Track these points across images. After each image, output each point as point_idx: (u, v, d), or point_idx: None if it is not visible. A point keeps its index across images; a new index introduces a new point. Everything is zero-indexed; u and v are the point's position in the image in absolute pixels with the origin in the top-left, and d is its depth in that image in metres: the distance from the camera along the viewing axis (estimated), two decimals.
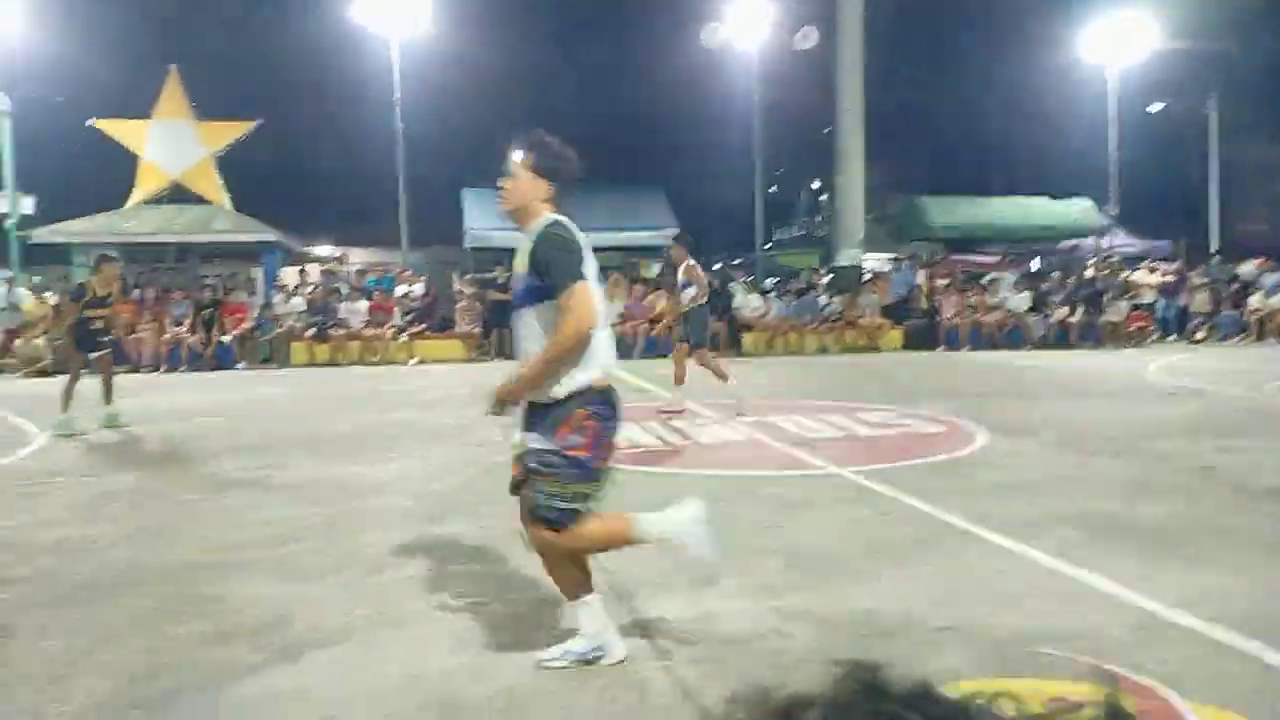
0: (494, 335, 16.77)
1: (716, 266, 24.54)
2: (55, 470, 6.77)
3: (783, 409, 9.16)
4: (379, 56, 19.77)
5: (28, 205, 16.75)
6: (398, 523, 5.13)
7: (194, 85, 18.42)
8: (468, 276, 17.70)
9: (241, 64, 27.44)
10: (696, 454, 7.03)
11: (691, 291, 9.13)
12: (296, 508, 5.49)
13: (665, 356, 16.23)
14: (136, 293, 16.05)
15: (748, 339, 17.05)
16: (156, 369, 14.88)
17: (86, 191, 18.24)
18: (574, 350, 2.96)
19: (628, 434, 7.80)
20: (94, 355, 8.83)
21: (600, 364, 3.05)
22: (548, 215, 3.18)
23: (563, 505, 3.02)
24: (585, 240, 3.15)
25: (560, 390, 2.99)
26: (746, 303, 17.31)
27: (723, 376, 9.01)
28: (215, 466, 6.83)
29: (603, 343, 3.08)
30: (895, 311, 17.81)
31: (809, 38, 20.42)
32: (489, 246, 18.22)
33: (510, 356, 16.61)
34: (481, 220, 18.44)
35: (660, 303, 16.77)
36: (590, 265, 3.09)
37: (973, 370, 13.73)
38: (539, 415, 3.04)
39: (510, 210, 3.26)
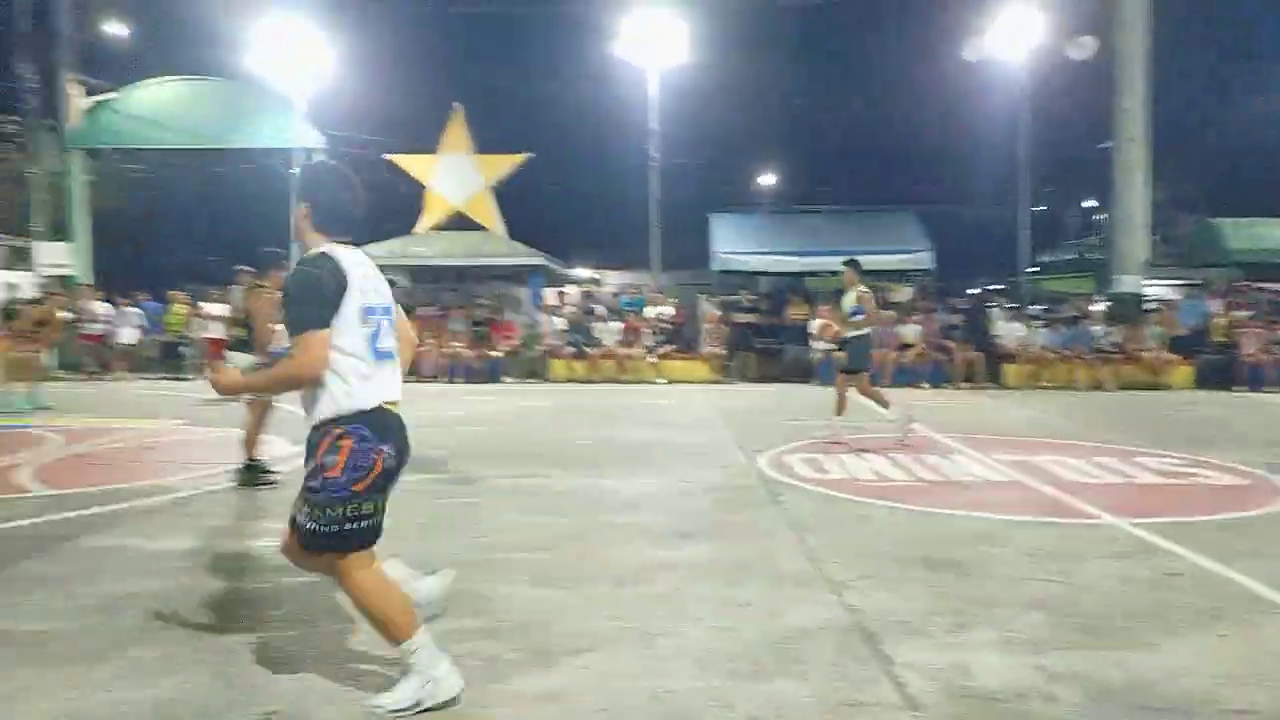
0: (739, 358, 16.92)
1: (974, 291, 23.28)
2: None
3: (1049, 449, 8.53)
4: (637, 87, 20.66)
5: None
6: (645, 539, 5.30)
7: (474, 120, 20.15)
8: (714, 299, 17.99)
9: (514, 100, 29.69)
10: (950, 492, 6.70)
11: (860, 318, 9.09)
12: (552, 517, 5.84)
13: (916, 385, 15.66)
14: (420, 310, 17.74)
15: (1008, 371, 16.01)
16: (436, 379, 16.40)
17: (382, 219, 20.49)
18: (290, 386, 2.98)
19: (875, 467, 7.60)
20: None
21: (372, 393, 2.97)
22: (315, 249, 3.04)
23: (314, 525, 2.94)
24: (362, 272, 2.99)
25: (316, 415, 2.97)
26: (1008, 331, 16.27)
27: (884, 404, 9.03)
28: (483, 471, 7.40)
29: (380, 375, 3.02)
30: (1184, 345, 16.00)
31: (1085, 46, 18.96)
32: (736, 270, 18.45)
33: (757, 379, 16.69)
34: (728, 244, 18.72)
35: (905, 331, 16.17)
36: (356, 299, 2.93)
37: (1278, 415, 12.09)
38: (309, 440, 3.01)
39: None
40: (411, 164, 19.89)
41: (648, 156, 19.96)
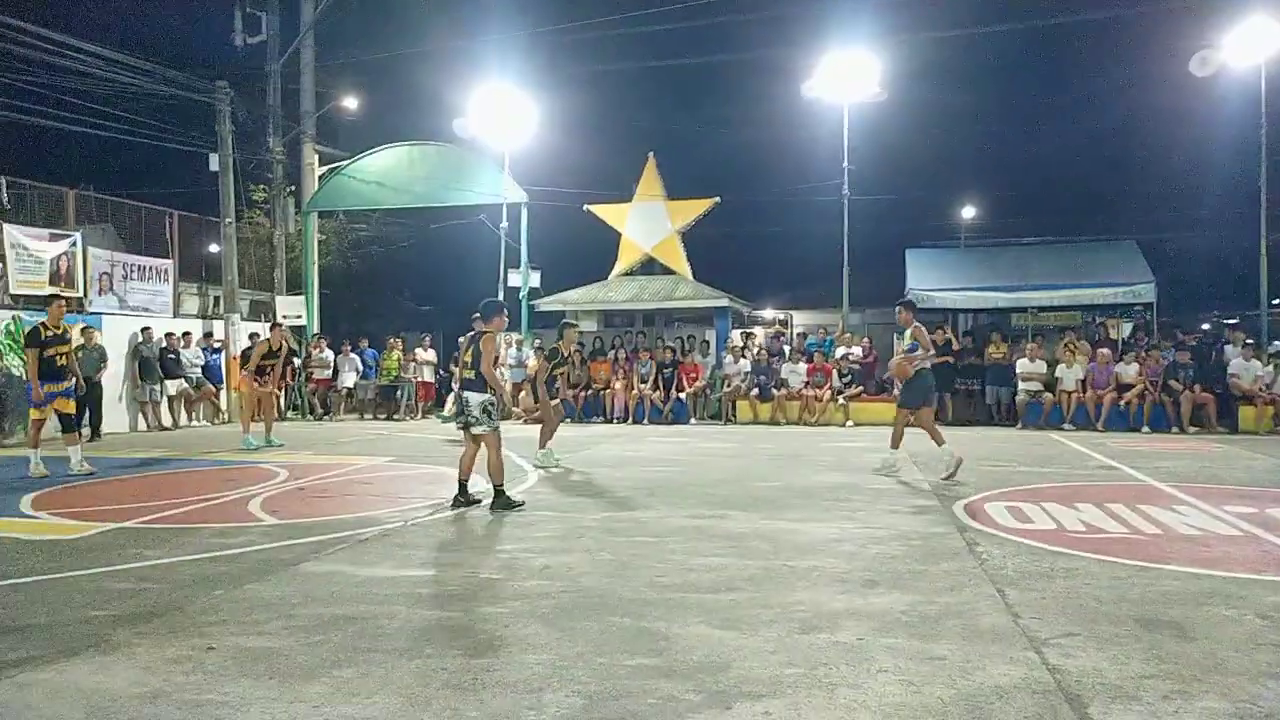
0: (936, 400, 16.20)
1: (1205, 326, 21.17)
2: (543, 505, 7.90)
3: None
4: (828, 126, 20.51)
5: (535, 279, 20.01)
6: (830, 585, 5.14)
7: (666, 167, 20.68)
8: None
9: (705, 145, 30.22)
10: (1171, 547, 6.07)
11: (919, 353, 9.55)
12: (735, 558, 5.78)
13: (1137, 429, 14.38)
14: (611, 353, 18.26)
15: (1245, 414, 14.39)
16: (624, 421, 16.77)
17: (579, 265, 21.36)
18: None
19: (1085, 517, 7.03)
20: (554, 403, 10.49)
21: None
22: None
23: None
24: None
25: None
26: (1244, 370, 14.64)
27: (939, 440, 9.40)
28: (665, 511, 7.46)
29: None
30: None
31: None
32: (932, 307, 17.72)
33: (955, 422, 15.88)
34: (924, 280, 18.05)
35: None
36: None
37: None
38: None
39: None
40: (608, 213, 20.64)
41: (840, 194, 19.69)
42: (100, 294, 15.58)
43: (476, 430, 7.57)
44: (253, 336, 15.56)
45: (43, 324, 9.87)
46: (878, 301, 22.41)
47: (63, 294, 11.46)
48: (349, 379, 18.73)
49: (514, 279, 19.44)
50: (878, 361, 17.06)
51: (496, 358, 7.77)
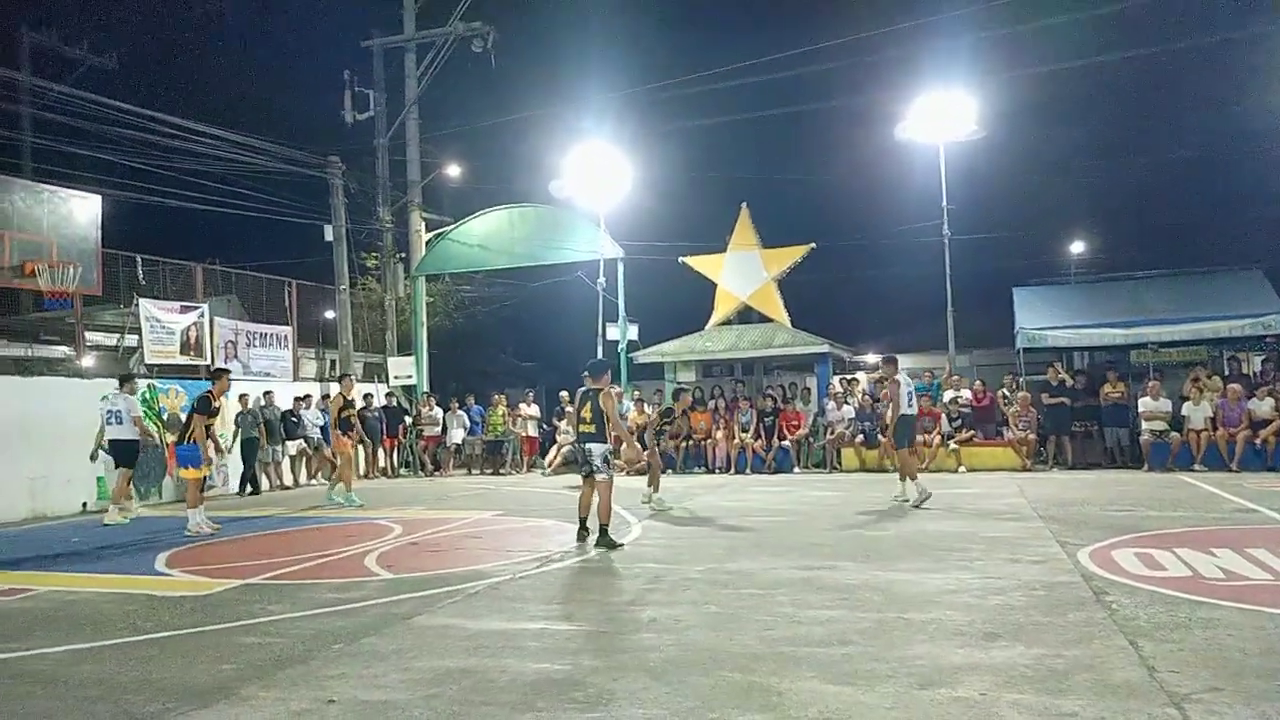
0: (1052, 442, 15.54)
1: None
2: (648, 557, 7.88)
3: None
4: (923, 166, 20.25)
5: (633, 332, 20.23)
6: (949, 638, 4.95)
7: (761, 216, 20.73)
8: (1019, 379, 16.76)
9: (797, 192, 30.21)
10: None
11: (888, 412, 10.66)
12: (846, 610, 5.62)
13: (1275, 469, 13.44)
14: (711, 403, 18.21)
15: None
16: (726, 471, 16.64)
17: (675, 317, 21.49)
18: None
19: (1224, 564, 6.61)
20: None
21: None
22: None
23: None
24: None
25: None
26: None
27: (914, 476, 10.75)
28: (772, 563, 7.33)
29: None
30: None
31: None
32: (1043, 347, 17.09)
33: (1072, 465, 15.22)
34: (1034, 319, 17.43)
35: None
36: None
37: None
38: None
39: None
40: (703, 264, 20.76)
41: (940, 234, 19.33)
42: (226, 360, 16.50)
43: (599, 477, 8.45)
44: (325, 398, 16.04)
45: (210, 393, 10.74)
46: (986, 342, 21.75)
47: (229, 370, 12.15)
48: (457, 435, 19.20)
49: (612, 333, 19.70)
50: (990, 404, 16.49)
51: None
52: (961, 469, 15.30)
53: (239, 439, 15.49)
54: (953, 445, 15.64)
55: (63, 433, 12.79)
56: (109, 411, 11.40)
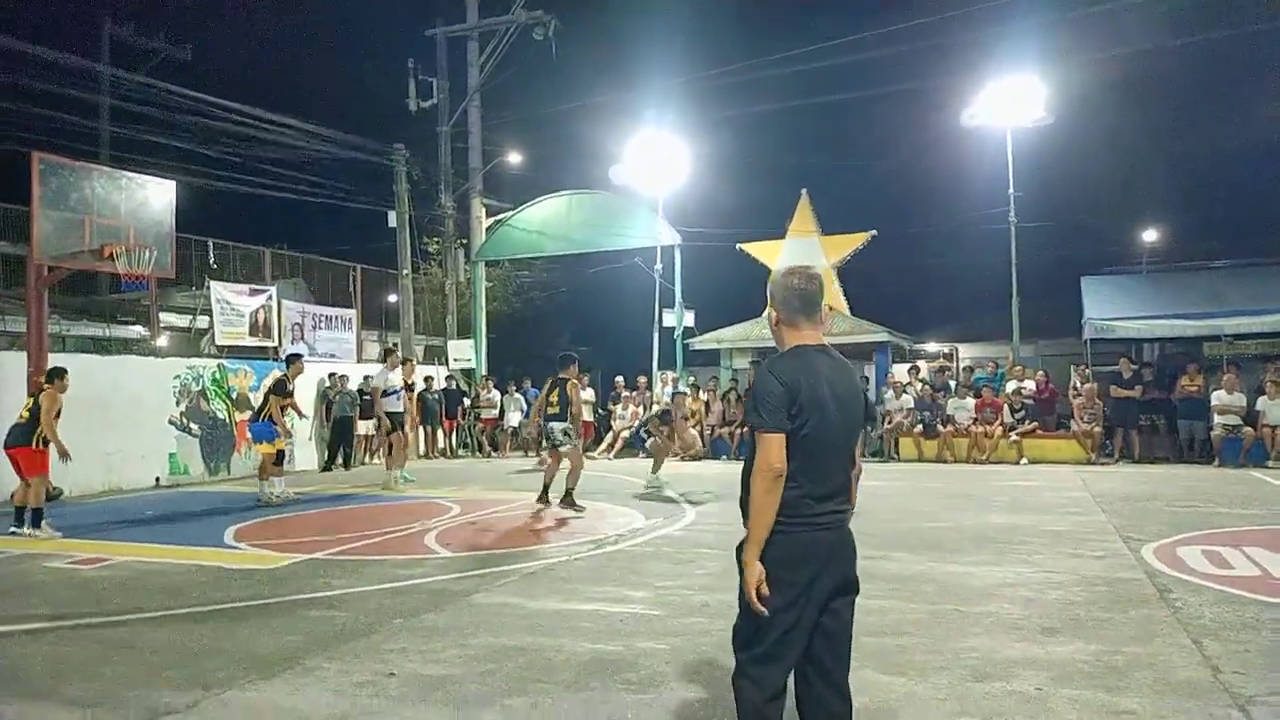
0: (1119, 436, 15.15)
1: None
2: (701, 542, 7.91)
3: None
4: (989, 151, 19.80)
5: (690, 319, 20.20)
6: (1006, 631, 4.90)
7: (819, 202, 20.50)
8: (1086, 370, 16.35)
9: (858, 178, 29.78)
10: None
11: None
12: (901, 601, 5.60)
13: None
14: None
15: None
16: None
17: (732, 304, 21.39)
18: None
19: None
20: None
21: None
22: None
23: None
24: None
25: None
26: None
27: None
28: None
29: None
30: None
31: None
32: (1112, 338, 16.63)
33: (1139, 459, 14.84)
34: (1102, 309, 16.96)
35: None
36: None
37: None
38: None
39: None
40: (760, 251, 20.62)
41: (1006, 221, 18.90)
42: (293, 342, 16.93)
43: (564, 449, 9.94)
44: (366, 378, 16.30)
45: (286, 376, 11.58)
46: (1051, 333, 21.20)
47: (303, 356, 12.71)
48: (514, 418, 19.42)
49: (668, 319, 19.70)
50: (1055, 396, 16.11)
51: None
52: (1023, 461, 15.01)
53: (333, 418, 15.98)
54: (1014, 437, 15.34)
55: (137, 409, 13.28)
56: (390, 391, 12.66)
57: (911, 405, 16.47)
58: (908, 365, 18.54)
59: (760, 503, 2.71)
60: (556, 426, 9.99)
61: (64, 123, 15.45)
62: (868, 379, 18.30)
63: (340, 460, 16.22)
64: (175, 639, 5.08)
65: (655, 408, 15.03)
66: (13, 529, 8.76)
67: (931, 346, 24.58)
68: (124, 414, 13.03)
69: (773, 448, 2.68)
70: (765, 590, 2.69)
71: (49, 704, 4.07)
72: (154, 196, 13.17)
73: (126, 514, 10.48)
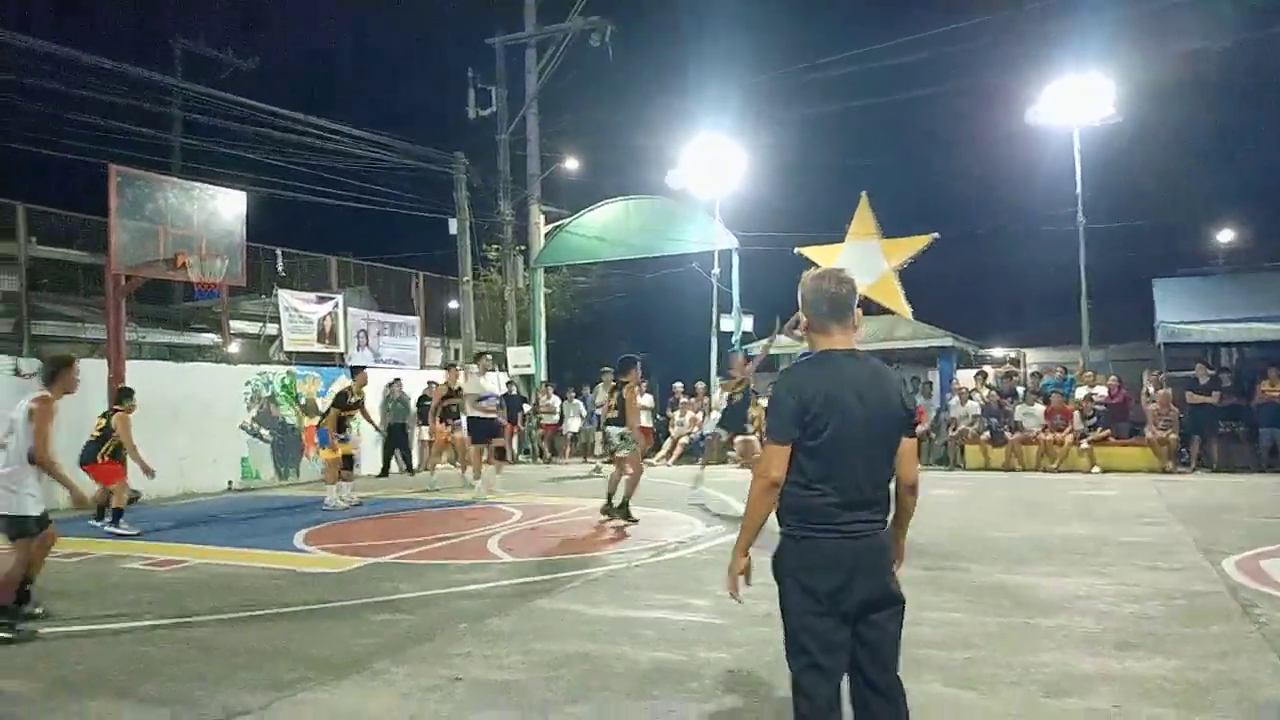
0: (1195, 444, 14.62)
1: None
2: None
3: None
4: (1056, 151, 19.31)
5: (748, 323, 20.09)
6: (1080, 645, 4.76)
7: (879, 204, 20.22)
8: (1161, 376, 15.83)
9: (919, 180, 29.31)
10: None
11: None
12: (970, 613, 5.47)
13: None
14: None
15: None
16: None
17: (791, 308, 21.17)
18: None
19: None
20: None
21: None
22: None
23: None
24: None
25: None
26: None
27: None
28: None
29: None
30: None
31: None
32: (1186, 342, 16.09)
33: (1217, 469, 14.30)
34: (1176, 312, 16.42)
35: None
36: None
37: None
38: None
39: None
40: (819, 254, 20.41)
41: (1073, 223, 18.42)
42: (358, 349, 17.28)
43: (621, 454, 9.55)
44: (430, 384, 16.48)
45: (349, 388, 11.83)
46: (1123, 336, 20.60)
47: (366, 367, 12.94)
48: (574, 424, 19.54)
49: (726, 323, 19.63)
50: (1127, 402, 15.63)
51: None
52: (1095, 469, 14.58)
53: (386, 424, 16.28)
54: (1085, 444, 14.92)
55: (209, 415, 13.68)
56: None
57: (978, 412, 16.13)
58: (974, 371, 18.16)
59: (752, 507, 2.81)
60: (614, 431, 9.88)
61: (139, 135, 15.99)
62: (931, 384, 17.98)
63: (403, 466, 16.50)
64: (249, 640, 5.20)
65: (761, 404, 14.84)
66: (92, 521, 9.32)
67: (997, 351, 24.05)
68: (197, 419, 13.43)
69: (772, 456, 2.74)
70: (741, 585, 2.92)
71: (129, 702, 4.20)
72: (225, 207, 13.56)
73: (200, 517, 10.80)
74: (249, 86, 22.63)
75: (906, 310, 19.59)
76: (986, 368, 19.29)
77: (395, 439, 16.41)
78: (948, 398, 17.01)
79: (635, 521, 9.26)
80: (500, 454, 12.83)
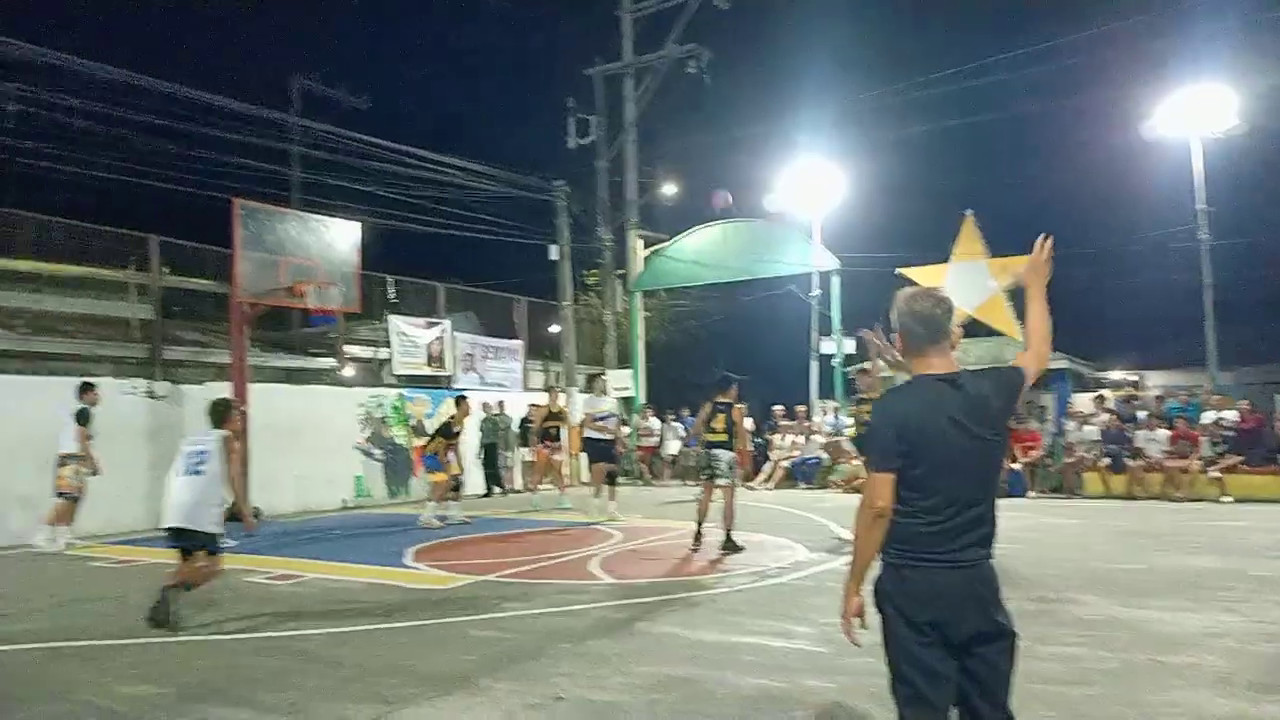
0: None
1: None
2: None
3: None
4: (1171, 164, 18.42)
5: (849, 345, 19.76)
6: (1210, 686, 4.47)
7: (986, 223, 19.64)
8: None
9: (1028, 197, 28.36)
10: None
11: None
12: (1089, 648, 5.22)
13: None
14: None
15: None
16: None
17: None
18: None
19: None
20: None
21: None
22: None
23: None
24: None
25: None
26: None
27: None
28: (1006, 592, 6.90)
29: None
30: None
31: None
32: None
33: None
34: None
35: None
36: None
37: None
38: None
39: None
40: (922, 275, 19.92)
41: (1194, 239, 17.50)
42: (464, 372, 17.74)
43: (721, 482, 9.06)
44: (531, 406, 16.65)
45: (454, 418, 12.09)
46: (1253, 358, 19.41)
47: (466, 397, 13.30)
48: (673, 446, 19.54)
49: (826, 346, 19.35)
50: (1262, 427, 14.67)
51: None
52: (1226, 499, 13.70)
53: (481, 444, 16.65)
54: (1214, 472, 14.06)
55: (325, 436, 14.26)
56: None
57: (1097, 437, 15.41)
58: (1092, 394, 17.38)
59: (861, 539, 2.72)
60: (724, 456, 9.14)
61: (260, 170, 16.89)
62: (1044, 408, 17.29)
63: (498, 487, 16.76)
64: (358, 654, 5.37)
65: (845, 423, 14.62)
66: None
67: (1115, 374, 22.97)
68: (313, 440, 14.02)
69: (877, 487, 2.66)
70: (859, 624, 2.80)
71: (247, 710, 4.39)
72: (340, 237, 14.16)
73: (316, 533, 11.23)
74: (360, 122, 23.70)
75: (1018, 332, 18.89)
76: (1104, 391, 18.44)
77: (489, 460, 16.72)
78: (1063, 422, 16.31)
79: (741, 549, 8.93)
80: (611, 478, 12.47)
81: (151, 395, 12.16)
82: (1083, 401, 16.74)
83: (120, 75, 12.82)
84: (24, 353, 12.65)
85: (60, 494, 10.06)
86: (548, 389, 15.44)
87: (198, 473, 6.12)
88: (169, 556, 9.26)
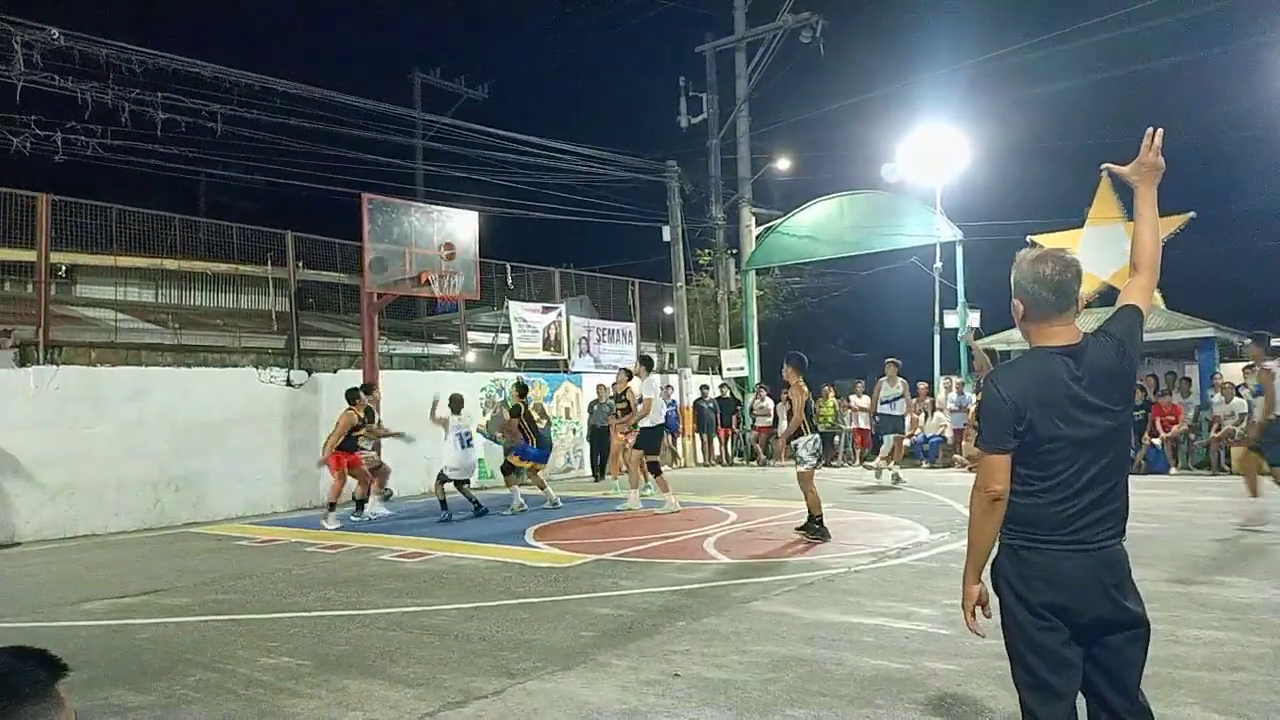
0: None
1: None
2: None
3: None
4: None
5: (974, 319, 19.05)
6: None
7: (1124, 183, 18.51)
8: None
9: (1171, 154, 26.51)
10: None
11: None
12: (1238, 633, 4.90)
13: None
14: None
15: None
16: None
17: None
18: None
19: None
20: None
21: None
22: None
23: None
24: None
25: None
26: None
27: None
28: (1144, 573, 6.49)
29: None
30: None
31: None
32: None
33: None
34: None
35: None
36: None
37: None
38: None
39: None
40: (1056, 242, 19.01)
41: None
42: (580, 355, 18.02)
43: (802, 469, 8.70)
44: (599, 388, 16.54)
45: (520, 403, 12.38)
46: None
47: (525, 384, 13.48)
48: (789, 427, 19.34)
49: (950, 320, 18.70)
50: None
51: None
52: None
53: (590, 427, 16.85)
54: None
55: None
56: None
57: (1245, 410, 14.36)
58: (1242, 364, 16.20)
59: (977, 524, 2.57)
60: (804, 443, 8.82)
61: (386, 164, 17.55)
62: (1188, 380, 16.25)
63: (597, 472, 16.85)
64: (484, 629, 5.57)
65: (969, 400, 14.13)
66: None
67: (1276, 342, 21.32)
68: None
69: (992, 469, 2.51)
70: (982, 613, 2.64)
71: (382, 681, 4.62)
72: (460, 227, 14.58)
73: (443, 514, 11.66)
74: (477, 112, 24.27)
75: (1158, 298, 17.80)
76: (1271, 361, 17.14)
77: (596, 443, 16.85)
78: (1209, 394, 15.29)
79: (828, 538, 8.40)
80: (654, 469, 11.52)
81: (289, 384, 12.87)
82: (1231, 372, 15.62)
83: (256, 79, 13.52)
84: (175, 346, 13.61)
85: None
86: (630, 372, 15.14)
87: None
88: (309, 535, 9.85)
